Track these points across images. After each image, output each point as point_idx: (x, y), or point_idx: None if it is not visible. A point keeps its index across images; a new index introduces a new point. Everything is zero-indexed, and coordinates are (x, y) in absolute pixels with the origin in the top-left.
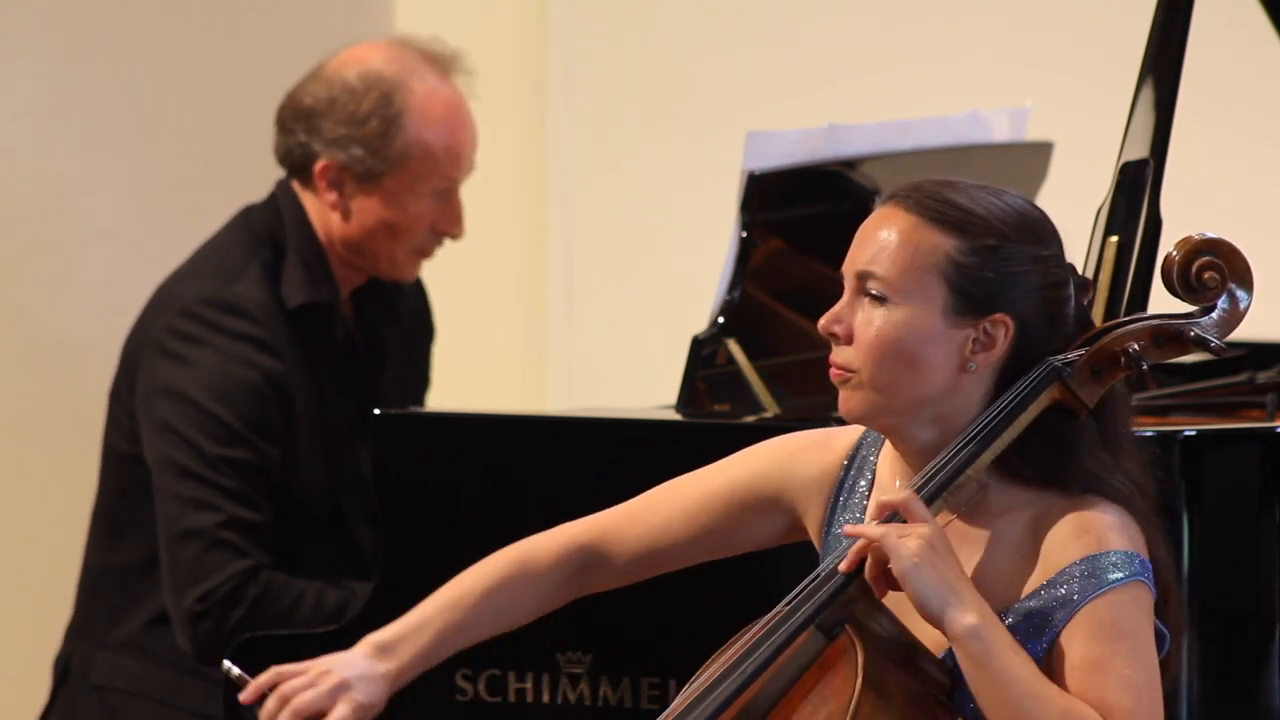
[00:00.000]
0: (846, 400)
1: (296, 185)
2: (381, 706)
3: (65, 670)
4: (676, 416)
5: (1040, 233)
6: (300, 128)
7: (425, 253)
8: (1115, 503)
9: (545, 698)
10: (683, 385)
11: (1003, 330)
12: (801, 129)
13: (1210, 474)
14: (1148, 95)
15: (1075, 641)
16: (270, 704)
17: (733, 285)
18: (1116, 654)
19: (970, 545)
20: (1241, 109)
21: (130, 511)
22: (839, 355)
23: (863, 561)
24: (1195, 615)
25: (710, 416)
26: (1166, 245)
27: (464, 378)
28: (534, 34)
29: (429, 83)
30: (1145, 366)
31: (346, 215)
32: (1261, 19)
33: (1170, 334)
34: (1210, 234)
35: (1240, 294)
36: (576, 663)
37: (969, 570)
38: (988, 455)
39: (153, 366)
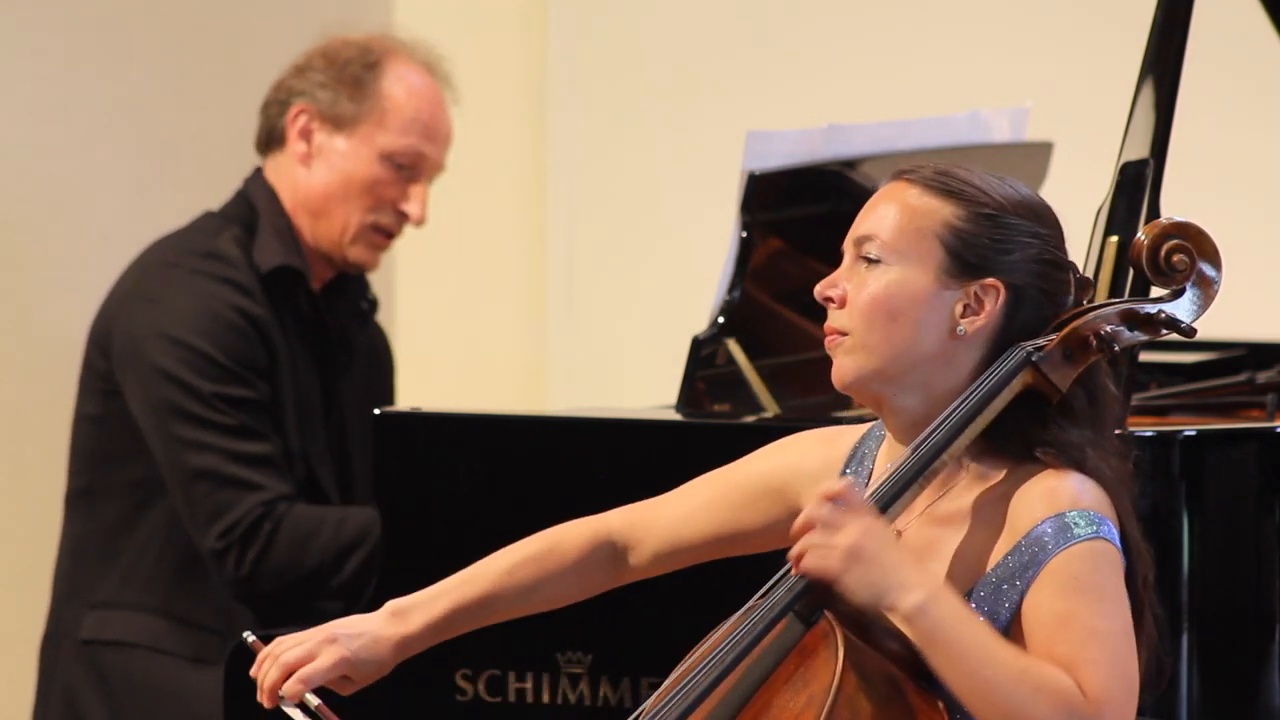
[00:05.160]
0: (838, 367)
1: (267, 163)
2: (384, 669)
3: (53, 642)
4: (676, 416)
5: (1042, 215)
6: (282, 94)
7: (382, 230)
8: (1090, 477)
9: (545, 698)
10: (683, 385)
11: (994, 295)
12: (801, 129)
13: (1210, 474)
14: (1148, 95)
15: (1041, 598)
16: (265, 663)
17: (733, 285)
18: (1082, 606)
19: (947, 524)
20: (1241, 108)
21: (103, 476)
22: (834, 320)
23: None
24: (1195, 615)
25: (710, 416)
26: None
27: (464, 378)
28: (534, 34)
29: (412, 61)
30: (1118, 349)
31: (311, 164)
32: (1262, 19)
33: (1140, 317)
34: (1178, 218)
35: (1211, 274)
36: (576, 663)
37: (945, 548)
38: (961, 441)
39: (133, 316)
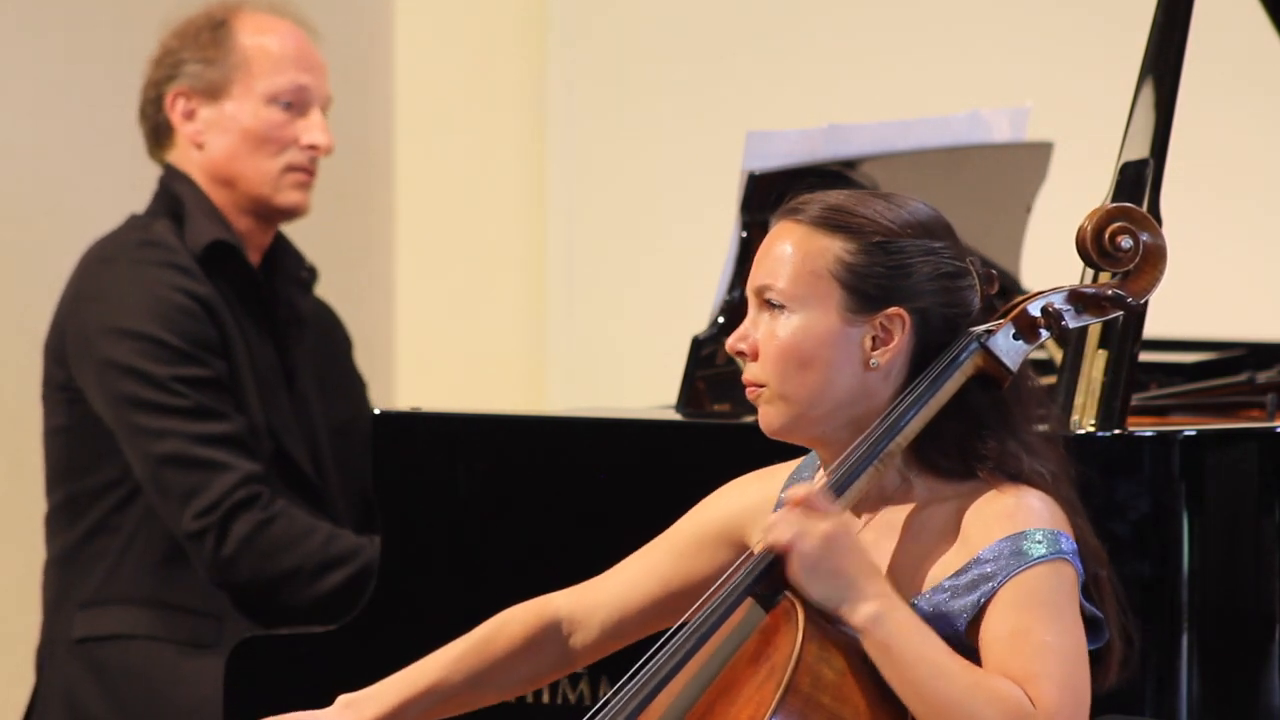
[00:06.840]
0: (764, 416)
1: (168, 158)
2: None
3: (47, 647)
4: (676, 416)
5: (932, 228)
6: (151, 91)
7: (297, 169)
8: (1037, 488)
9: (545, 698)
10: (683, 385)
11: (899, 324)
12: (801, 129)
13: (1210, 474)
14: (1148, 95)
15: (996, 615)
16: None
17: (733, 285)
18: (1036, 621)
19: (895, 533)
20: (1241, 108)
21: (79, 484)
22: (749, 372)
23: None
24: (1195, 615)
25: (710, 416)
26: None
27: (464, 378)
28: (534, 34)
29: (257, 10)
30: (1068, 325)
31: (206, 141)
32: (1262, 19)
33: (1087, 296)
34: (1120, 203)
35: (1155, 254)
36: None
37: (890, 557)
38: (914, 424)
39: (81, 316)
